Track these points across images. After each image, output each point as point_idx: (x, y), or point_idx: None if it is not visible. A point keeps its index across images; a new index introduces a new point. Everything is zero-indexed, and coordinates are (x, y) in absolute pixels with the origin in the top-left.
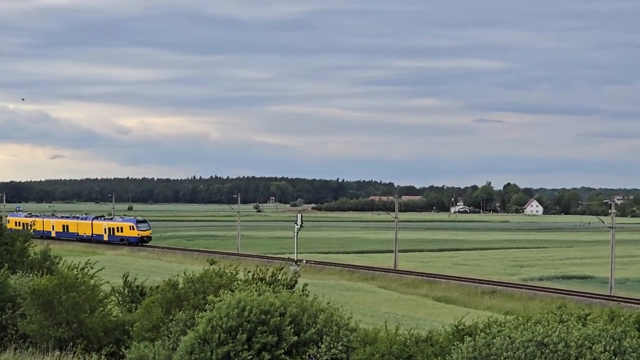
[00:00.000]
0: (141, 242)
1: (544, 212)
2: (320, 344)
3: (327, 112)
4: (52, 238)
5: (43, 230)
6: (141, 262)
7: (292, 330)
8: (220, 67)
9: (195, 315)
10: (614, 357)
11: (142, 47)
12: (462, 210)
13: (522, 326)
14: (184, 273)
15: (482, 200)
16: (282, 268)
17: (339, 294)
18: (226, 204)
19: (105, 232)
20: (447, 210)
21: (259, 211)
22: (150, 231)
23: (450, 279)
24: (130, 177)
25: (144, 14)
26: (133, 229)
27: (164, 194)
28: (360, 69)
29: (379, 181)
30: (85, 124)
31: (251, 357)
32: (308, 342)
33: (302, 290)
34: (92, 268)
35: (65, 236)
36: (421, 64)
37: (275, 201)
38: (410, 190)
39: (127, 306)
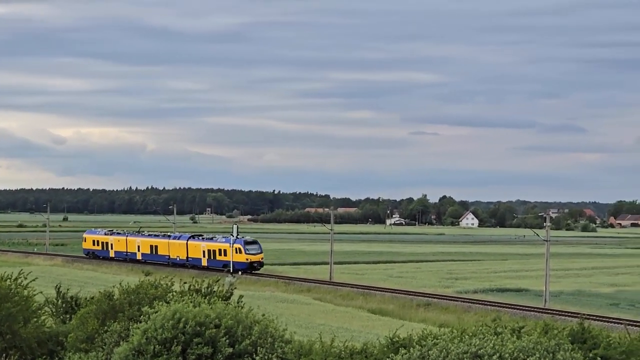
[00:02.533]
0: (250, 269)
1: (480, 225)
2: (255, 355)
3: (264, 124)
4: (138, 261)
5: (127, 252)
6: (76, 273)
7: (227, 341)
8: (156, 78)
9: (130, 327)
10: None
11: (79, 58)
12: (397, 222)
13: (457, 338)
14: (120, 284)
15: (418, 212)
16: (218, 280)
17: (275, 306)
18: (162, 215)
19: (204, 256)
20: (383, 222)
21: (195, 222)
22: (262, 255)
23: (386, 291)
24: (65, 188)
25: (80, 25)
26: (240, 251)
27: (100, 205)
28: (297, 81)
29: (315, 193)
30: (20, 134)
31: None
32: (243, 354)
33: (238, 302)
34: (25, 278)
35: (153, 259)
36: (357, 77)
37: (211, 212)
38: (346, 203)
39: (61, 317)
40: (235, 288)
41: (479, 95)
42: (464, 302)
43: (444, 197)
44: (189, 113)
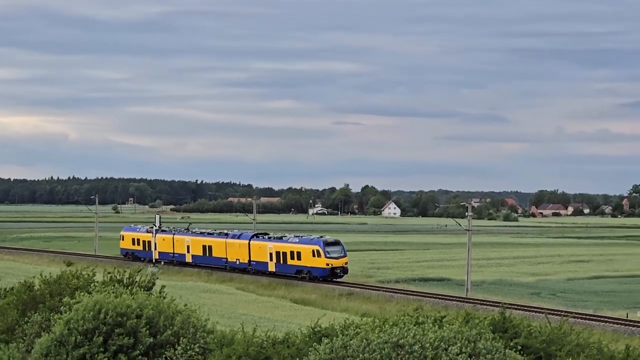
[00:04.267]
0: (332, 276)
1: (402, 215)
2: (177, 345)
3: (186, 113)
4: (188, 264)
5: (173, 253)
6: None
7: (148, 332)
8: (78, 67)
9: (51, 317)
10: (469, 358)
11: (0, 47)
12: (320, 212)
13: (378, 328)
14: (40, 275)
15: (340, 202)
16: (140, 270)
17: (197, 296)
18: (84, 205)
19: (271, 259)
20: (306, 212)
21: (117, 212)
22: (346, 259)
23: (308, 281)
24: None
25: (1, 13)
26: (318, 254)
27: (21, 195)
28: (219, 70)
29: (237, 183)
30: None
31: (107, 359)
32: (165, 344)
33: (160, 292)
34: None
35: (206, 262)
36: (279, 66)
37: (133, 202)
38: (268, 192)
39: None
40: (157, 278)
41: (400, 85)
42: (386, 291)
43: (367, 186)
44: (111, 102)
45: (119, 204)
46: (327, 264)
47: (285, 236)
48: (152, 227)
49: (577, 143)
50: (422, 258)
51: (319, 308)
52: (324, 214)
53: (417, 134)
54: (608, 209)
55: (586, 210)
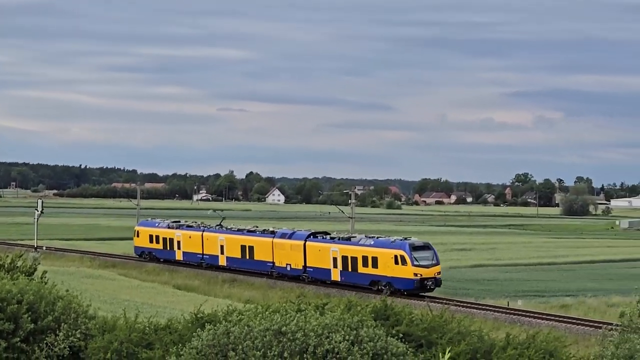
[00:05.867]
0: (421, 289)
1: (286, 201)
2: (58, 331)
3: (70, 98)
4: (222, 268)
5: (202, 254)
6: None
7: (29, 317)
8: None
9: None
10: (351, 346)
11: None
12: (204, 198)
13: (260, 315)
14: None
15: (225, 188)
16: (22, 255)
17: (79, 281)
18: None
19: (336, 265)
20: (190, 198)
21: None
22: (438, 268)
23: (191, 267)
24: None
25: None
26: (403, 261)
27: None
28: (104, 55)
29: (122, 168)
30: None
31: None
32: (46, 330)
33: (41, 278)
34: None
35: (246, 266)
36: (165, 52)
37: (16, 187)
38: (153, 178)
39: None
40: (39, 263)
41: (285, 72)
42: (269, 278)
43: (251, 173)
44: None
45: (0, 188)
46: (416, 274)
47: (354, 237)
48: (177, 222)
49: (461, 132)
50: None
51: (202, 294)
52: (208, 200)
53: (302, 121)
54: (491, 198)
55: (469, 199)
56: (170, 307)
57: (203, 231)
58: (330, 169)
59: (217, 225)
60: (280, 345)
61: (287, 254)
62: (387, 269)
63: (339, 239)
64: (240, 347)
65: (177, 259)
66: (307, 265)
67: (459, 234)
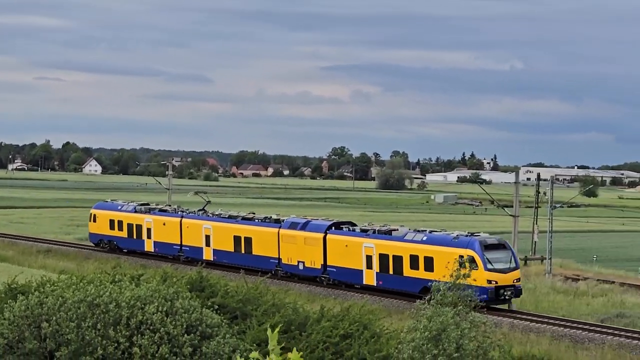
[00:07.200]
0: (496, 300)
1: (103, 172)
2: None
3: None
4: (209, 263)
5: (181, 245)
6: None
7: None
8: None
9: None
10: (165, 317)
11: None
12: (19, 167)
13: (74, 286)
14: None
15: (41, 158)
16: None
17: None
18: None
19: (371, 265)
20: (5, 167)
21: None
22: (518, 272)
23: (5, 237)
24: None
25: None
26: (473, 264)
27: None
28: None
29: None
30: None
31: None
32: None
33: None
34: None
35: (242, 262)
36: None
37: None
38: None
39: None
40: None
41: (103, 42)
42: (84, 249)
43: (68, 143)
44: None
45: None
46: (490, 281)
47: (396, 230)
48: (146, 205)
49: (278, 105)
50: None
51: (16, 265)
52: (23, 169)
53: (120, 91)
54: (308, 171)
55: (286, 172)
56: None
57: (182, 217)
58: (148, 140)
59: (200, 210)
60: (94, 317)
61: (298, 248)
62: (448, 273)
63: (374, 232)
64: (54, 318)
65: (146, 250)
66: (328, 264)
67: (275, 207)
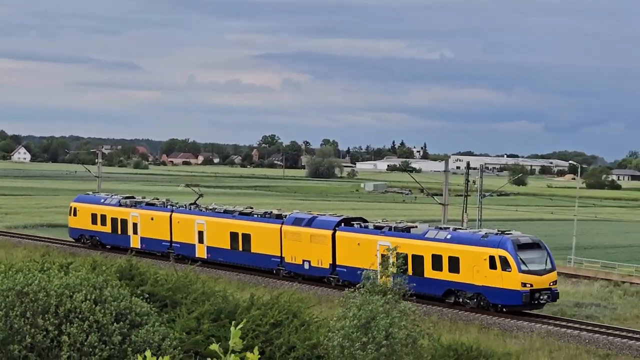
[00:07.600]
0: (530, 305)
1: (32, 160)
2: None
3: None
4: (204, 262)
5: (171, 241)
6: None
7: None
8: None
9: None
10: (94, 305)
11: None
12: None
13: (2, 274)
14: None
15: None
16: None
17: None
18: None
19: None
20: None
21: None
22: (554, 274)
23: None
24: None
25: None
26: (505, 265)
27: None
28: None
29: None
30: None
31: None
32: None
33: None
34: None
35: (240, 261)
36: None
37: None
38: None
39: None
40: None
41: (32, 29)
42: (13, 236)
43: None
44: None
45: None
46: (524, 284)
47: (415, 227)
48: (130, 198)
49: (209, 93)
50: (52, 204)
51: None
52: None
53: (49, 79)
54: (238, 159)
55: (216, 160)
56: None
57: (172, 211)
58: (77, 127)
59: (192, 204)
60: (22, 305)
61: (304, 246)
62: (477, 274)
63: (390, 230)
64: None
65: (132, 246)
66: (338, 263)
67: (206, 195)
